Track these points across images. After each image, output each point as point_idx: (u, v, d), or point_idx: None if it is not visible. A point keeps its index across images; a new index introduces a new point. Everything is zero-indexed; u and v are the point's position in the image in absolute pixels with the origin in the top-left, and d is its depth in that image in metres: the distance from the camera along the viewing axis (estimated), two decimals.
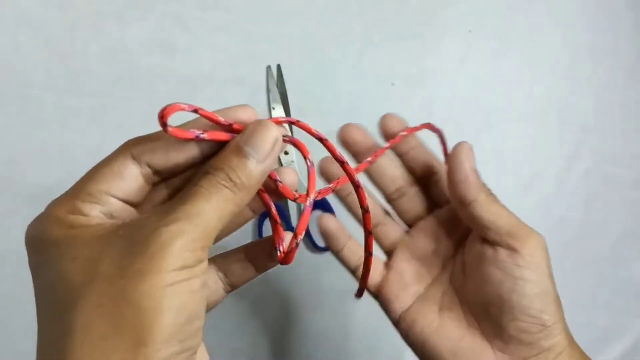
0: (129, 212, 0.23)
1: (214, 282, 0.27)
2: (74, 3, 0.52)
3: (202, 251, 0.20)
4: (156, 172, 0.23)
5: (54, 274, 0.20)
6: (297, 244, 0.24)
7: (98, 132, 0.50)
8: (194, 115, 0.23)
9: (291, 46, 0.54)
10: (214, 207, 0.21)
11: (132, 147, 0.23)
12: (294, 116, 0.53)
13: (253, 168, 0.22)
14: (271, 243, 0.26)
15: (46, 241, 0.21)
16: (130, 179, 0.22)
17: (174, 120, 0.21)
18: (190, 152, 0.23)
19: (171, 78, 0.52)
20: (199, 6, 0.54)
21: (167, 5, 0.53)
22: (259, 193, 0.25)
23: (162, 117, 0.21)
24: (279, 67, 0.54)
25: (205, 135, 0.23)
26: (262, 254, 0.27)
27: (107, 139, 0.50)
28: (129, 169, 0.22)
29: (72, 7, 0.52)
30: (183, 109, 0.22)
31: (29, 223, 0.23)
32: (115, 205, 0.22)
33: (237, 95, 0.53)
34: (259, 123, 0.23)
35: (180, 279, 0.19)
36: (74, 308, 0.19)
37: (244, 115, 0.24)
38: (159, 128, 0.21)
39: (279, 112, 0.53)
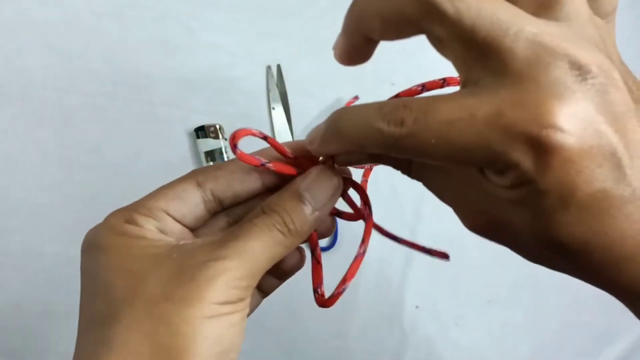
0: (184, 233, 0.24)
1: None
2: (74, 3, 0.52)
3: (246, 290, 0.21)
4: (218, 200, 0.24)
5: (101, 283, 0.21)
6: (343, 290, 0.24)
7: (98, 132, 0.50)
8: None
9: (291, 46, 0.54)
10: (264, 248, 0.21)
11: (199, 175, 0.24)
12: (294, 116, 0.53)
13: (308, 215, 0.22)
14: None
15: (98, 246, 0.22)
16: (190, 202, 0.23)
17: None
18: (252, 183, 0.24)
19: (171, 78, 0.52)
20: (199, 6, 0.54)
21: (167, 5, 0.53)
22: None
23: (233, 139, 0.21)
24: (279, 67, 0.54)
25: (270, 165, 0.23)
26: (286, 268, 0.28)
27: (107, 139, 0.50)
28: (190, 193, 0.23)
29: (72, 7, 0.52)
30: (254, 134, 0.23)
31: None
32: (171, 224, 0.23)
33: (237, 95, 0.53)
34: (321, 170, 0.23)
35: (221, 312, 0.20)
36: (115, 321, 0.19)
37: (315, 153, 0.24)
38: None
39: (279, 112, 0.53)
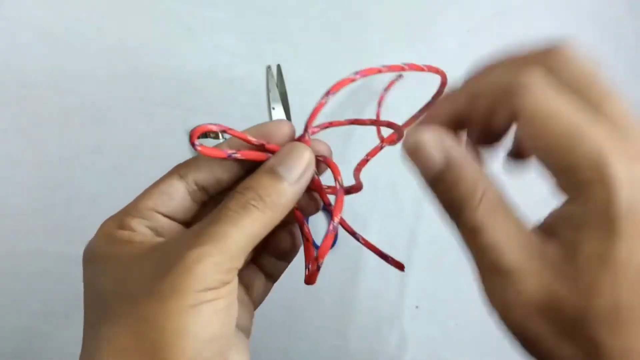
0: (176, 229, 0.24)
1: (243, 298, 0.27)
2: (74, 3, 0.52)
3: (228, 273, 0.20)
4: (203, 188, 0.24)
5: (95, 288, 0.22)
6: (318, 267, 0.23)
7: (98, 132, 0.50)
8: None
9: (291, 46, 0.54)
10: (240, 227, 0.21)
11: (180, 168, 0.24)
12: (294, 116, 0.53)
13: (285, 189, 0.22)
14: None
15: (94, 256, 0.22)
16: (176, 196, 0.24)
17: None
18: (232, 168, 0.24)
19: (171, 78, 0.52)
20: (199, 6, 0.54)
21: (167, 5, 0.53)
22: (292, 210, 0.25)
23: (191, 138, 0.22)
24: (279, 67, 0.54)
25: (238, 155, 0.23)
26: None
27: (107, 139, 0.50)
28: (174, 187, 0.24)
29: (72, 7, 0.52)
30: (211, 130, 0.23)
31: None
32: (162, 221, 0.23)
33: (237, 95, 0.53)
34: (293, 145, 0.23)
35: (202, 300, 0.19)
36: (105, 322, 0.20)
37: (278, 131, 0.24)
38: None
39: (279, 112, 0.53)
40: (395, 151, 0.58)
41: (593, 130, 0.18)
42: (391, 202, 0.53)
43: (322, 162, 0.25)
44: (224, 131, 0.23)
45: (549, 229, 0.19)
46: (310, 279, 0.24)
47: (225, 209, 0.21)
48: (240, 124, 0.58)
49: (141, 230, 0.23)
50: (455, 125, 0.22)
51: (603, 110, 0.18)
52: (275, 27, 0.55)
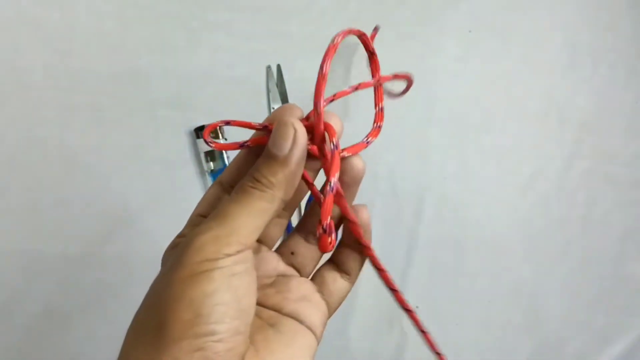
0: None
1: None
2: (74, 3, 0.52)
3: (229, 245, 0.21)
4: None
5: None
6: (324, 230, 0.23)
7: (98, 132, 0.50)
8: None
9: (291, 46, 0.54)
10: (241, 206, 0.22)
11: (219, 177, 0.27)
12: None
13: (277, 164, 0.23)
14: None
15: (163, 261, 0.25)
16: (214, 199, 0.26)
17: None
18: (252, 162, 0.25)
19: (171, 78, 0.52)
20: (199, 6, 0.54)
21: (167, 5, 0.53)
22: (304, 179, 0.26)
23: (204, 136, 0.25)
24: (279, 67, 0.54)
25: (248, 143, 0.25)
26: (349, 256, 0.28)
27: (107, 139, 0.50)
28: (214, 193, 0.26)
29: (72, 7, 0.52)
30: (218, 125, 0.26)
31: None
32: None
33: (237, 95, 0.53)
34: (279, 122, 0.24)
35: (202, 269, 0.20)
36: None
37: (284, 113, 0.25)
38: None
39: None
40: (395, 152, 0.58)
41: None
42: (391, 202, 0.53)
43: (326, 130, 0.25)
44: (227, 123, 0.25)
45: None
46: (319, 245, 0.24)
47: (230, 194, 0.23)
48: None
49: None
50: None
51: None
52: (275, 27, 0.55)
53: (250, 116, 0.55)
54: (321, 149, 0.25)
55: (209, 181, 0.51)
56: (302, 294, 0.27)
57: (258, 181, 0.23)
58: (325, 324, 0.27)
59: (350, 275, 0.29)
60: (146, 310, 0.21)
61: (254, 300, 0.22)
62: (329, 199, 0.23)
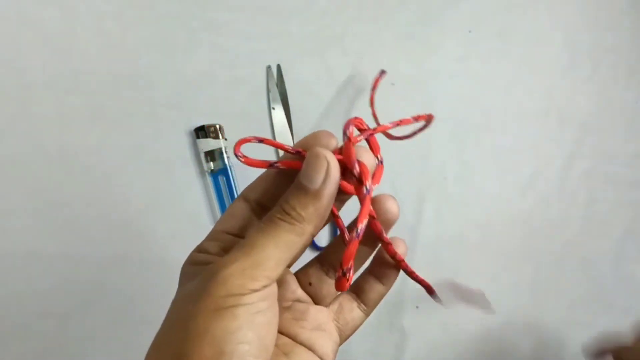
0: None
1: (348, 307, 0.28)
2: (74, 3, 0.52)
3: (255, 280, 0.21)
4: (263, 205, 0.25)
5: (173, 301, 0.24)
6: (343, 273, 0.23)
7: (98, 132, 0.50)
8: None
9: (291, 46, 0.54)
10: (269, 239, 0.22)
11: (244, 191, 0.26)
12: (294, 116, 0.53)
13: (308, 197, 0.22)
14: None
15: (180, 276, 0.25)
16: (240, 216, 0.25)
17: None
18: (282, 182, 0.25)
19: (171, 78, 0.52)
20: (199, 6, 0.54)
21: (167, 5, 0.53)
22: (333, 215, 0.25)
23: (236, 150, 0.24)
24: (279, 67, 0.54)
25: (279, 164, 0.24)
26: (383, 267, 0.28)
27: (107, 139, 0.50)
28: (238, 207, 0.26)
29: (72, 7, 0.52)
30: (250, 141, 0.25)
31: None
32: (230, 240, 0.25)
33: (237, 95, 0.53)
34: (311, 152, 0.23)
35: (225, 305, 0.20)
36: (161, 325, 0.23)
37: (317, 141, 0.24)
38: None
39: (279, 112, 0.53)
40: (395, 151, 0.58)
41: None
42: None
43: (360, 169, 0.24)
44: (261, 141, 0.25)
45: None
46: (336, 285, 0.23)
47: (258, 224, 0.23)
48: (240, 124, 0.58)
49: (213, 251, 0.24)
50: None
51: None
52: (275, 27, 0.55)
53: (250, 116, 0.56)
54: (358, 190, 0.24)
55: (209, 181, 0.51)
56: (317, 323, 0.26)
57: (287, 214, 0.22)
58: (336, 353, 0.27)
59: (367, 307, 0.28)
60: (168, 337, 0.21)
61: (275, 335, 0.22)
62: (354, 244, 0.22)
